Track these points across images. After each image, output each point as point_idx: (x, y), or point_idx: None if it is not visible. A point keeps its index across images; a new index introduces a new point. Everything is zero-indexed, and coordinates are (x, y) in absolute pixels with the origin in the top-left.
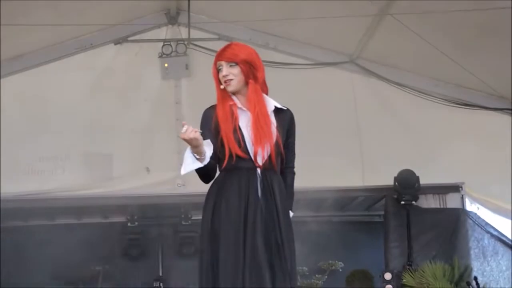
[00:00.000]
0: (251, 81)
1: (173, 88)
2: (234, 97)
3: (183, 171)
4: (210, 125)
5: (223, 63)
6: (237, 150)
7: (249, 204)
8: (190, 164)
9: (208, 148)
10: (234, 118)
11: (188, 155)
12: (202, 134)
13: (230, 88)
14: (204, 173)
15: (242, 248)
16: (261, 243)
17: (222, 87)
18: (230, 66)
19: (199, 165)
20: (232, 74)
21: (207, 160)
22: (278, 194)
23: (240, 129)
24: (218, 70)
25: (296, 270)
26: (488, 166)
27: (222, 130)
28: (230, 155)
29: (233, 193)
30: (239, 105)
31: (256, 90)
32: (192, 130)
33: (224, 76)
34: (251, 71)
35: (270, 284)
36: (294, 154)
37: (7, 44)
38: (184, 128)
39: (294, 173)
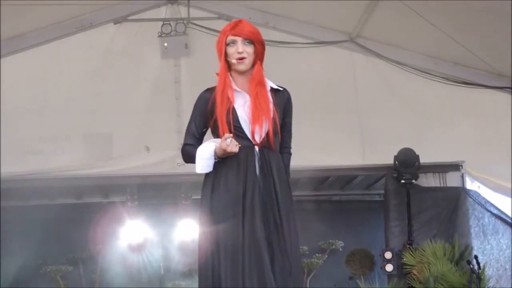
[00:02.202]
0: (258, 62)
1: (173, 67)
2: (230, 77)
3: (199, 171)
4: (203, 108)
5: (238, 39)
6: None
7: (247, 181)
8: (210, 166)
9: None
10: (229, 101)
11: (209, 156)
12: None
13: (242, 67)
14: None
15: (241, 226)
16: (259, 221)
17: (234, 61)
18: (245, 43)
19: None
20: (246, 52)
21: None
22: (276, 172)
23: (234, 110)
24: (226, 45)
25: (298, 247)
26: (488, 145)
27: (218, 112)
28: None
29: (231, 171)
30: (234, 86)
31: (260, 71)
32: (234, 144)
33: (239, 53)
34: (262, 52)
35: (269, 263)
36: (290, 134)
37: (6, 23)
38: (229, 141)
39: (290, 154)
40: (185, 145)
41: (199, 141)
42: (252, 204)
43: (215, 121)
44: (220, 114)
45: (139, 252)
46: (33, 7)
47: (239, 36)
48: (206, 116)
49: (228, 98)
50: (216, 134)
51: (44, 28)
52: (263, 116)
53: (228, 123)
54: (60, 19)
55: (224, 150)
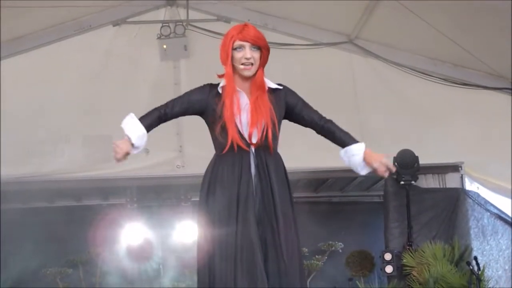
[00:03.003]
0: (262, 68)
1: (172, 69)
2: (235, 84)
3: (124, 125)
4: (195, 101)
5: (247, 44)
6: (238, 140)
7: (242, 181)
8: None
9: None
10: (237, 106)
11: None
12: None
13: (249, 73)
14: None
15: (235, 226)
16: (253, 221)
17: (241, 67)
18: (253, 49)
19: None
20: (253, 58)
21: (137, 149)
22: (274, 172)
23: (240, 115)
24: (233, 49)
25: (297, 247)
26: (487, 146)
27: (227, 117)
28: (231, 144)
29: (226, 171)
30: (238, 89)
31: (262, 76)
32: (116, 156)
33: (247, 59)
34: (267, 58)
35: (262, 263)
36: (311, 108)
37: (6, 25)
38: (119, 155)
39: (327, 119)
40: (160, 107)
41: (168, 115)
42: (246, 204)
43: (223, 124)
44: (230, 119)
45: (139, 254)
46: (32, 9)
47: (247, 41)
48: (192, 109)
49: (236, 104)
50: (224, 138)
51: (43, 30)
52: (262, 119)
53: (237, 126)
54: (59, 21)
55: (114, 148)
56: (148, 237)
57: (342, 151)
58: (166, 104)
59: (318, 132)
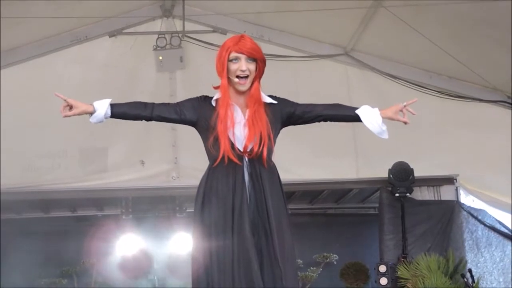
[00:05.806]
0: (257, 80)
1: (168, 80)
2: (230, 97)
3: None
4: (186, 104)
5: (242, 56)
6: (229, 153)
7: (236, 190)
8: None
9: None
10: (231, 119)
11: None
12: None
13: (243, 88)
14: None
15: (230, 236)
16: (248, 230)
17: (236, 80)
18: (249, 61)
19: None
20: (249, 70)
21: (98, 116)
22: (267, 182)
23: (233, 128)
24: (228, 60)
25: (292, 254)
26: (483, 159)
27: (220, 130)
28: (223, 157)
29: (221, 182)
30: (233, 101)
31: (258, 90)
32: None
33: (242, 71)
34: (263, 70)
35: (259, 270)
36: (312, 104)
37: (2, 36)
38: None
39: (332, 104)
40: (151, 103)
41: (152, 115)
42: (240, 213)
43: (216, 136)
44: (223, 132)
45: (133, 265)
46: (27, 20)
47: (243, 53)
48: (182, 115)
49: (230, 117)
50: (216, 150)
51: (39, 41)
52: (260, 133)
53: (231, 144)
54: (55, 32)
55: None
56: (143, 248)
57: (363, 118)
58: (158, 104)
59: (327, 120)
